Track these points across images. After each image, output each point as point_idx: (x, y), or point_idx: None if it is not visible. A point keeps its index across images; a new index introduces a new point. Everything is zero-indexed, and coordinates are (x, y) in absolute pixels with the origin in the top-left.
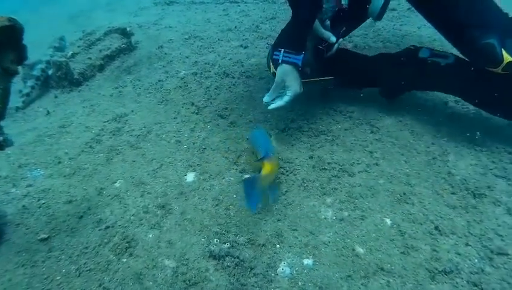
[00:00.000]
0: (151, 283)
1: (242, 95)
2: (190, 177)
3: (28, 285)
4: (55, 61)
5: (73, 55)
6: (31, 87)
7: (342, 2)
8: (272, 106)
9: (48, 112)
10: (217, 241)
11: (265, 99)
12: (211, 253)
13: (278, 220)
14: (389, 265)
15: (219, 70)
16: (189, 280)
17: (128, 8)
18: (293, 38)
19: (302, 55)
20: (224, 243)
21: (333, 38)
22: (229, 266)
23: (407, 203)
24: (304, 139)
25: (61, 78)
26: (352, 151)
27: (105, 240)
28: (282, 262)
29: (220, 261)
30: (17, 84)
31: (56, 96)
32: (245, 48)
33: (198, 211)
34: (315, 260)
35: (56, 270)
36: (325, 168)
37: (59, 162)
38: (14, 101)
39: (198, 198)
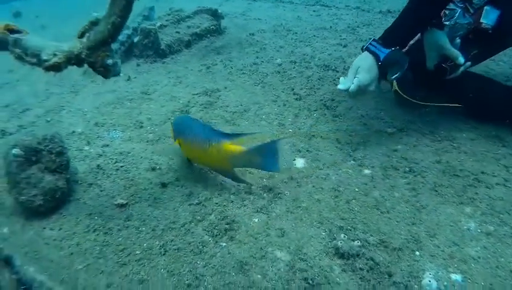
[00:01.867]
0: (259, 276)
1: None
2: (300, 162)
3: (100, 254)
4: (144, 28)
5: (161, 27)
6: (114, 51)
7: (483, 21)
8: (338, 86)
9: (129, 78)
10: (344, 237)
11: (340, 86)
12: (337, 250)
13: (413, 224)
14: None
15: (320, 63)
16: (311, 279)
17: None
18: (391, 28)
19: (390, 51)
20: (354, 240)
21: (461, 59)
22: (361, 269)
23: None
24: (426, 141)
25: (147, 46)
26: (484, 162)
27: (198, 217)
28: (427, 273)
29: (349, 261)
30: None
31: (138, 65)
32: (344, 46)
33: (314, 201)
34: (464, 276)
35: (135, 243)
36: (457, 175)
37: (141, 127)
38: None
39: (313, 186)
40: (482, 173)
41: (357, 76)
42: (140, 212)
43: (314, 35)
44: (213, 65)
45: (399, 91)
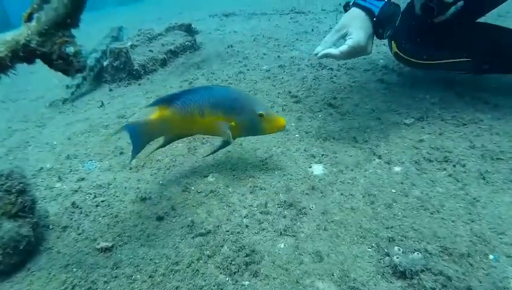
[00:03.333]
0: None
1: (350, 85)
2: (318, 169)
3: None
4: (114, 48)
5: (132, 47)
6: (83, 78)
7: None
8: (320, 53)
9: (102, 104)
10: (399, 250)
11: (318, 49)
12: (396, 269)
13: (472, 221)
14: None
15: (311, 63)
16: None
17: (182, 20)
18: None
19: (384, 3)
20: (412, 252)
21: None
22: (433, 288)
23: None
24: (451, 128)
25: (118, 68)
26: None
27: (207, 253)
28: None
29: (414, 280)
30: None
31: (111, 90)
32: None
33: (348, 211)
34: None
35: None
36: (500, 158)
37: (121, 153)
38: (61, 93)
39: (341, 194)
40: None
41: (349, 37)
42: (132, 255)
43: (298, 39)
44: (194, 80)
45: (399, 53)
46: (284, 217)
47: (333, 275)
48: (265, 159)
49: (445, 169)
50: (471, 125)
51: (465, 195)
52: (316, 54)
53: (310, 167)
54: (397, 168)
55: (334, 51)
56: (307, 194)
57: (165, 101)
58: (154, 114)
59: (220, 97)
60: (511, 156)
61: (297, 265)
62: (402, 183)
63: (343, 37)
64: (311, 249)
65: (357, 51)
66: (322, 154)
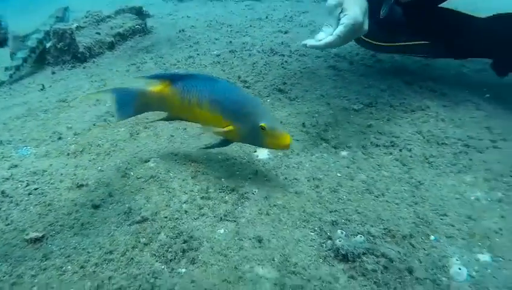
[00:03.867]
0: None
1: (300, 71)
2: (263, 154)
3: None
4: (57, 29)
5: (78, 28)
6: (23, 59)
7: None
8: (313, 43)
9: (43, 87)
10: (341, 233)
11: (309, 41)
12: (338, 252)
13: (415, 203)
14: None
15: (263, 49)
16: None
17: (135, 3)
18: None
19: None
20: (355, 235)
21: None
22: (374, 271)
23: None
24: (400, 114)
25: (62, 50)
26: (465, 127)
27: (144, 240)
28: (453, 259)
29: (356, 263)
30: (4, 61)
31: (54, 73)
32: (285, 32)
33: (292, 195)
34: (493, 254)
35: None
36: (445, 143)
37: (59, 138)
38: None
39: (285, 178)
40: (468, 137)
41: (344, 14)
42: (64, 246)
43: (251, 26)
44: (142, 64)
45: (361, 36)
46: (226, 202)
47: (273, 260)
48: (209, 143)
49: (391, 153)
50: (418, 112)
51: (409, 178)
52: (305, 45)
53: (255, 152)
54: (344, 153)
55: (331, 37)
56: (250, 178)
57: (168, 78)
58: (155, 87)
59: (222, 95)
60: (455, 141)
61: (237, 251)
62: (348, 167)
63: (338, 19)
64: (251, 234)
65: (355, 29)
66: None
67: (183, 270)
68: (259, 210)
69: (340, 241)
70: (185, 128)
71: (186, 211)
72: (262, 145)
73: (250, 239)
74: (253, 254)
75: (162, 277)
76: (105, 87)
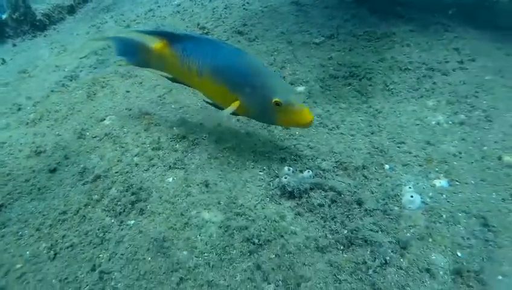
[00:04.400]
0: (184, 252)
1: (262, 10)
2: None
3: None
4: None
5: None
6: None
7: None
8: None
9: (4, 61)
10: (289, 170)
11: None
12: (283, 189)
13: (372, 133)
14: None
15: None
16: (256, 238)
17: None
18: None
19: None
20: (302, 171)
21: None
22: (321, 205)
23: None
24: (363, 43)
25: (19, 21)
26: (432, 50)
27: (96, 197)
28: (406, 187)
29: (303, 199)
30: None
31: (15, 45)
32: None
33: (243, 136)
34: (450, 178)
35: (14, 254)
36: (408, 68)
37: (19, 109)
38: None
39: (238, 120)
40: (434, 60)
41: None
42: (21, 212)
43: None
44: (103, 24)
45: None
46: (176, 150)
47: (220, 203)
48: (164, 94)
49: (350, 84)
50: (383, 39)
51: (367, 108)
52: None
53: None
54: (300, 88)
55: None
56: (201, 124)
57: (166, 37)
58: (155, 44)
59: (227, 62)
60: (419, 65)
61: (185, 197)
62: (304, 102)
63: None
64: (199, 180)
65: None
66: None
67: (132, 222)
68: (209, 155)
69: (286, 178)
70: (141, 82)
71: (136, 164)
72: (276, 123)
73: (198, 185)
74: (200, 199)
75: (111, 230)
76: (65, 52)
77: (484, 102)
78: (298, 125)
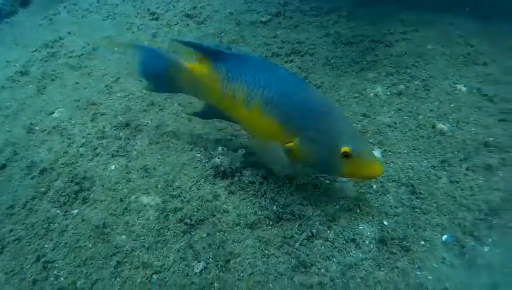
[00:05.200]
0: (123, 236)
1: None
2: None
3: None
4: None
5: None
6: None
7: None
8: None
9: None
10: (223, 149)
11: None
12: (218, 169)
13: None
14: (491, 138)
15: None
16: (189, 218)
17: None
18: None
19: None
20: (236, 150)
21: None
22: (252, 183)
23: (477, 64)
24: (309, 19)
25: None
26: (378, 22)
27: (42, 189)
28: None
29: (235, 178)
30: None
31: None
32: None
33: (183, 120)
34: (384, 149)
35: None
36: (351, 42)
37: None
38: None
39: (180, 104)
40: (378, 33)
41: None
42: None
43: None
44: (55, 15)
45: None
46: (119, 138)
47: (157, 187)
48: (111, 83)
49: (291, 61)
50: (330, 14)
51: (307, 82)
52: None
53: None
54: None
55: None
56: (145, 110)
57: (207, 52)
58: (191, 64)
59: (283, 94)
60: (362, 38)
61: (125, 184)
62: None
63: None
64: (140, 166)
65: None
66: None
67: (76, 211)
68: (150, 140)
69: (219, 158)
70: (90, 73)
71: (81, 155)
72: (337, 173)
73: (138, 170)
74: (139, 184)
75: (56, 220)
76: (16, 47)
77: (423, 71)
78: (368, 178)
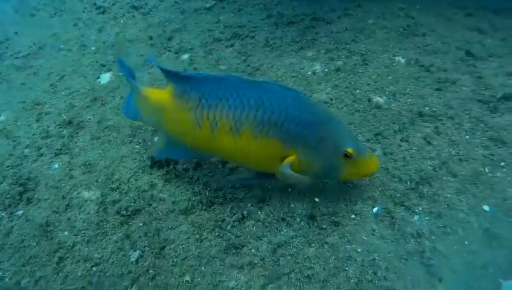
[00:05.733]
0: (66, 232)
1: None
2: (105, 78)
3: None
4: None
5: None
6: None
7: None
8: None
9: None
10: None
11: None
12: (153, 159)
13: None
14: (427, 108)
15: None
16: (125, 209)
17: None
18: None
19: None
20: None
21: None
22: (187, 170)
23: (417, 35)
24: (252, 1)
25: None
26: (320, 1)
27: None
28: None
29: (171, 166)
30: None
31: None
32: None
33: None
34: None
35: None
36: (292, 22)
37: None
38: None
39: (121, 97)
40: (320, 10)
41: None
42: None
43: None
44: (2, 14)
45: None
46: (62, 136)
47: (98, 181)
48: (56, 82)
49: (232, 45)
50: None
51: (246, 67)
52: None
53: (98, 78)
54: (185, 56)
55: None
56: (88, 107)
57: (171, 78)
58: (151, 89)
59: (282, 111)
60: (303, 17)
61: (68, 181)
62: (186, 69)
63: None
64: (81, 162)
65: None
66: (113, 61)
67: (21, 212)
68: (92, 136)
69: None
70: (36, 72)
71: (26, 156)
72: (340, 178)
73: (80, 167)
74: (81, 180)
75: (1, 223)
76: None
77: (363, 46)
78: (363, 177)
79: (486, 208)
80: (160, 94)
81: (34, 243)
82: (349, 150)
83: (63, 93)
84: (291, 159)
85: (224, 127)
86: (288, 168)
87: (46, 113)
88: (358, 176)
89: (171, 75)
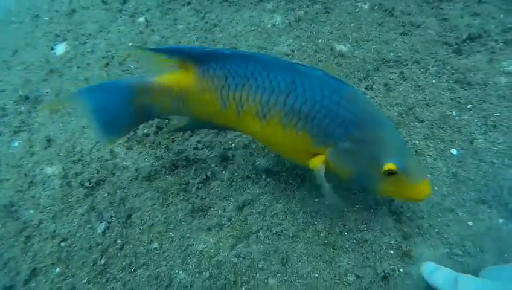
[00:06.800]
0: (31, 211)
1: None
2: (60, 48)
3: None
4: None
5: None
6: None
7: None
8: None
9: None
10: None
11: None
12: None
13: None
14: (391, 53)
15: None
16: (88, 181)
17: None
18: None
19: None
20: None
21: None
22: (147, 135)
23: None
24: None
25: None
26: None
27: None
28: None
29: (131, 132)
30: None
31: None
32: None
33: (82, 83)
34: None
35: None
36: None
37: None
38: None
39: (78, 67)
40: None
41: None
42: None
43: None
44: None
45: None
46: (20, 113)
47: (59, 155)
48: (9, 57)
49: (189, 3)
50: None
51: (204, 24)
52: None
53: (53, 49)
54: (141, 19)
55: None
56: (45, 80)
57: (191, 57)
58: (165, 76)
59: (317, 101)
60: None
61: (29, 158)
62: (143, 32)
63: None
64: (42, 137)
65: None
66: (68, 30)
67: None
68: (51, 110)
69: None
70: None
71: None
72: (376, 192)
73: (40, 142)
74: (42, 156)
75: None
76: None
77: None
78: (410, 200)
79: (454, 151)
80: (179, 77)
81: (0, 225)
82: (391, 165)
83: (18, 68)
84: (321, 159)
85: (250, 111)
86: (322, 170)
87: (2, 91)
88: (401, 197)
89: (190, 54)
